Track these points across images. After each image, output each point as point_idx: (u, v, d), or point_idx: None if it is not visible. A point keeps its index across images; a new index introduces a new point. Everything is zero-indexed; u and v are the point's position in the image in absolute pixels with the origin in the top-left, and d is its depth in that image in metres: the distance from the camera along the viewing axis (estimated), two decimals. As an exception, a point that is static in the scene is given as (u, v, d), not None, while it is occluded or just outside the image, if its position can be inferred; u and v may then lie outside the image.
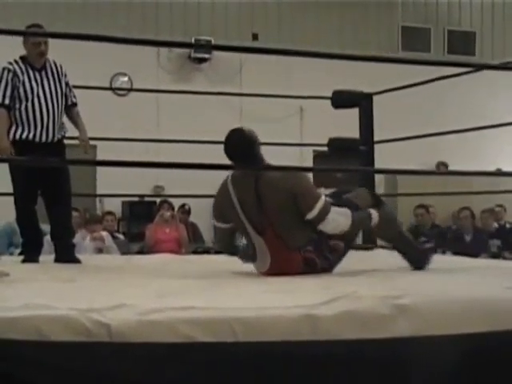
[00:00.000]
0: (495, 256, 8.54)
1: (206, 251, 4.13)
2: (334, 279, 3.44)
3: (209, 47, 12.54)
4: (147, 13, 11.59)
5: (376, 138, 5.88)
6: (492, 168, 10.57)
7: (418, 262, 3.96)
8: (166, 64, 11.70)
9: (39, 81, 4.65)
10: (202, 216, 9.90)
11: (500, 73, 9.90)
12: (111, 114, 10.60)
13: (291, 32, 12.08)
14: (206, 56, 11.65)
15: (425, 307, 2.55)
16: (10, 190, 4.71)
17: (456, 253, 7.83)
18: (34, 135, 4.62)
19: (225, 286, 3.16)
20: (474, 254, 7.12)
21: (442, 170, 11.89)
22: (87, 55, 9.85)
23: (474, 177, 9.62)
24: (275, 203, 3.67)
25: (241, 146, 3.78)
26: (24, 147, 4.56)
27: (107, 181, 9.88)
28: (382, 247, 5.19)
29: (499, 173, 9.23)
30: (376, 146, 5.86)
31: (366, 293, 2.63)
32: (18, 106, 4.62)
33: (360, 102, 5.85)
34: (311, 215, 3.66)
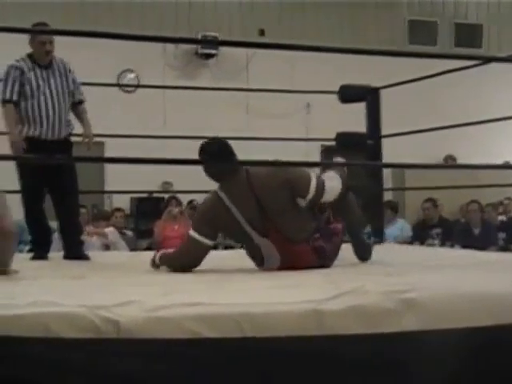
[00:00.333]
0: (503, 249, 8.52)
1: (214, 247, 4.12)
2: (340, 274, 3.44)
3: (216, 43, 12.53)
4: (153, 10, 11.60)
5: (383, 132, 5.87)
6: (500, 161, 10.53)
7: (365, 253, 4.12)
8: (173, 60, 11.72)
9: (45, 78, 4.67)
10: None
11: (507, 65, 9.86)
12: (118, 110, 10.62)
13: (297, 28, 12.06)
14: (213, 52, 11.66)
15: (432, 301, 2.55)
16: (18, 187, 4.73)
17: (464, 246, 7.82)
18: (40, 133, 4.64)
19: (231, 282, 3.17)
20: (482, 248, 7.11)
21: (449, 163, 11.87)
22: (94, 52, 9.86)
23: (482, 170, 9.59)
24: (276, 202, 3.69)
25: (220, 157, 3.76)
26: (30, 145, 4.57)
27: (115, 177, 9.91)
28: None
29: (507, 166, 9.22)
30: (383, 140, 5.85)
31: (372, 288, 2.63)
32: (24, 103, 4.63)
33: (367, 96, 5.83)
34: (311, 195, 3.72)
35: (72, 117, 4.88)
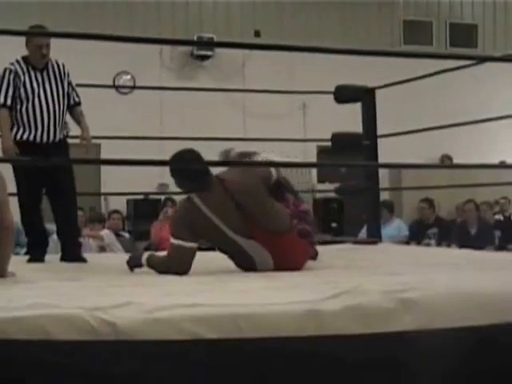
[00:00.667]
0: (500, 248, 8.54)
1: (211, 248, 4.12)
2: (338, 274, 3.45)
3: (212, 44, 12.53)
4: (149, 11, 11.60)
5: (379, 133, 5.88)
6: (496, 161, 10.55)
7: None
8: (169, 62, 11.72)
9: (40, 81, 4.65)
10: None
11: (502, 65, 9.87)
12: (115, 112, 10.61)
13: (293, 28, 12.07)
14: (209, 53, 11.65)
15: (430, 301, 2.55)
16: (15, 189, 4.72)
17: (461, 246, 7.83)
18: (35, 136, 4.62)
19: (229, 283, 3.17)
20: (479, 247, 7.11)
21: (446, 163, 11.88)
22: (90, 54, 9.86)
23: (479, 169, 9.60)
24: (256, 201, 3.72)
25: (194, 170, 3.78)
26: (25, 148, 4.56)
27: (111, 179, 9.89)
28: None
29: (503, 165, 9.23)
30: (379, 141, 5.86)
31: (370, 287, 2.63)
32: (19, 106, 4.62)
33: (363, 96, 5.84)
34: (275, 175, 3.84)
35: (69, 119, 4.87)
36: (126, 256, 4.08)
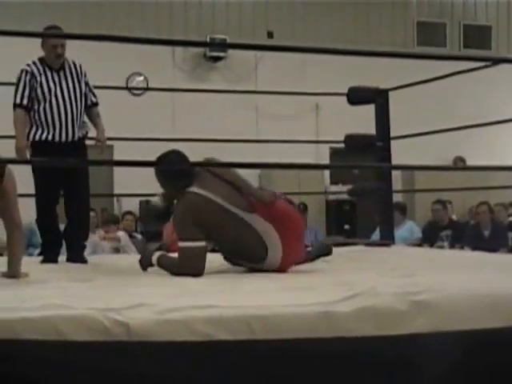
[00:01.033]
0: (512, 250, 8.50)
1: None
2: (351, 276, 3.44)
3: (224, 45, 12.55)
4: (162, 12, 11.62)
5: (392, 134, 5.86)
6: (509, 162, 10.50)
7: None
8: (182, 63, 11.73)
9: (57, 81, 4.68)
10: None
11: (517, 66, 9.84)
12: (127, 113, 10.63)
13: (305, 30, 12.06)
14: (221, 55, 11.66)
15: (443, 303, 2.54)
16: (28, 191, 4.73)
17: (474, 248, 7.79)
18: (54, 135, 4.65)
19: (242, 284, 3.16)
20: (492, 249, 7.08)
21: (459, 165, 11.84)
22: (103, 56, 9.88)
23: (492, 171, 9.57)
24: (238, 177, 3.85)
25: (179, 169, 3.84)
26: (43, 148, 4.59)
27: (124, 180, 9.92)
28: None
29: (517, 167, 9.18)
30: (393, 142, 5.84)
31: (383, 289, 2.63)
32: (36, 107, 4.65)
33: (376, 98, 5.82)
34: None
35: (87, 120, 4.89)
36: (139, 257, 4.09)
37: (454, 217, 10.53)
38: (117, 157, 9.99)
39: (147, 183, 8.82)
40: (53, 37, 4.71)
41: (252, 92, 10.19)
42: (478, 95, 12.33)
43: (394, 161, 5.93)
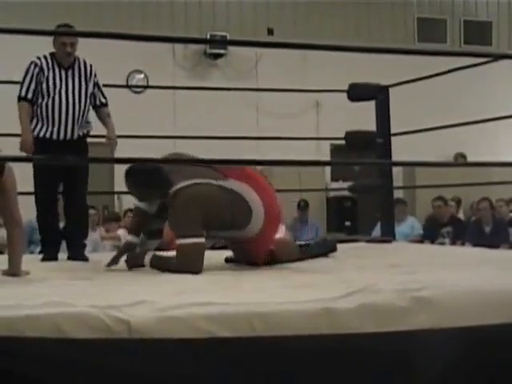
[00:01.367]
0: (514, 246, 8.50)
1: (224, 247, 4.12)
2: (352, 272, 3.44)
3: (225, 43, 12.54)
4: (162, 10, 11.61)
5: (393, 131, 5.86)
6: (511, 158, 10.49)
7: None
8: (182, 61, 11.72)
9: (64, 79, 4.69)
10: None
11: (517, 62, 9.83)
12: (128, 111, 10.62)
13: (306, 27, 12.05)
14: (222, 52, 11.65)
15: (444, 299, 2.54)
16: (29, 188, 4.74)
17: (476, 244, 7.79)
18: (52, 132, 4.66)
19: (242, 281, 3.17)
20: (494, 246, 7.08)
21: (460, 161, 11.83)
22: (103, 53, 9.81)
23: (493, 167, 9.55)
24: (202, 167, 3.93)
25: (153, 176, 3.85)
26: (42, 145, 4.60)
27: (125, 178, 9.91)
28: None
29: (518, 163, 9.16)
30: (393, 139, 5.84)
31: (384, 286, 2.63)
32: (40, 101, 4.67)
33: (376, 94, 5.82)
34: None
35: (94, 119, 4.89)
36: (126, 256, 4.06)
37: (462, 215, 10.54)
38: (117, 154, 9.99)
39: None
40: (54, 34, 4.72)
41: (253, 89, 10.18)
42: (479, 91, 12.32)
43: (395, 157, 5.93)
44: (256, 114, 11.57)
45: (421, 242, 8.87)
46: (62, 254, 4.81)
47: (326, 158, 11.42)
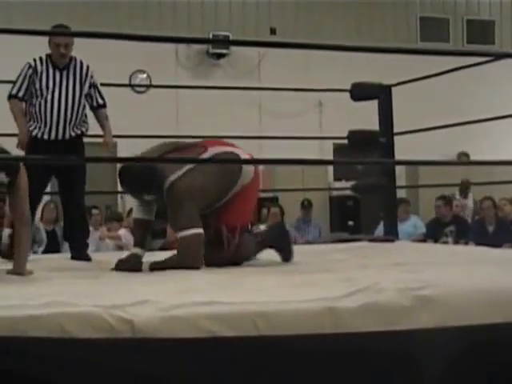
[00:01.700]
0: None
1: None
2: (354, 271, 3.44)
3: (227, 42, 12.55)
4: (164, 10, 11.62)
5: (396, 130, 5.85)
6: (514, 157, 10.47)
7: None
8: (185, 60, 11.73)
9: (58, 80, 4.69)
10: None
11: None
12: (130, 111, 10.64)
13: (308, 27, 12.05)
14: (225, 51, 11.66)
15: (447, 298, 2.54)
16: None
17: (479, 244, 7.78)
18: (43, 132, 4.67)
19: (245, 281, 3.17)
20: (497, 245, 7.07)
21: (463, 160, 11.82)
22: (106, 53, 9.86)
23: (496, 166, 9.54)
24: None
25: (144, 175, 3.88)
26: (33, 144, 4.62)
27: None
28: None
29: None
30: (396, 138, 5.83)
31: (387, 285, 2.63)
32: (33, 100, 4.69)
33: (379, 93, 5.82)
34: None
35: (91, 119, 4.89)
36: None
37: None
38: (120, 154, 10.00)
39: (151, 180, 8.80)
40: (52, 35, 4.72)
41: (255, 89, 10.19)
42: (482, 90, 12.31)
43: (398, 156, 5.92)
44: (259, 113, 11.58)
45: (424, 241, 8.86)
46: (66, 254, 4.83)
47: (329, 157, 11.41)
